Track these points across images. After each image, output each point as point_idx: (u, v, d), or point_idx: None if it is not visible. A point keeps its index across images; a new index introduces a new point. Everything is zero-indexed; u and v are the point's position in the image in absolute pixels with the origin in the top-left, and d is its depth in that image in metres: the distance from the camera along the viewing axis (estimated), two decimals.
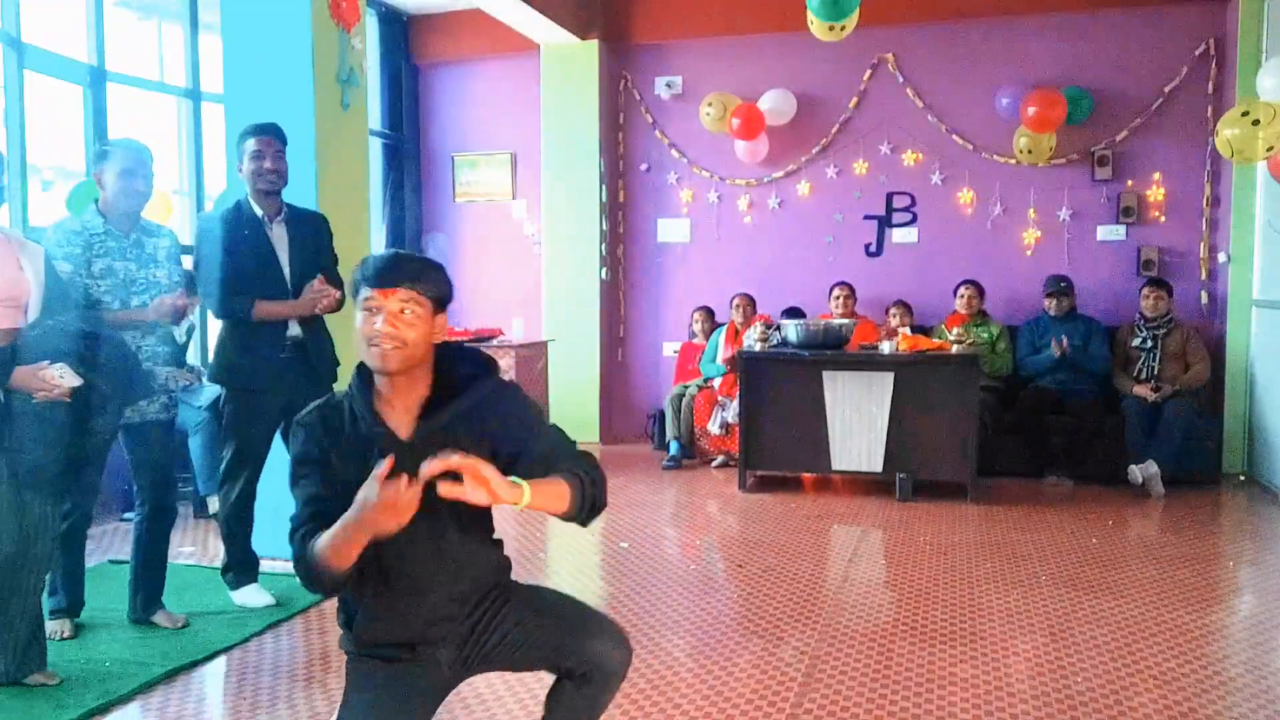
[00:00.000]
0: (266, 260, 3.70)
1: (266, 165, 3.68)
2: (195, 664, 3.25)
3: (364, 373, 2.01)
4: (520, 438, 2.01)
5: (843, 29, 5.51)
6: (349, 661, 2.09)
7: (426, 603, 2.02)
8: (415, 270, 1.95)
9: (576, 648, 2.03)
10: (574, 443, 2.09)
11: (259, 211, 3.74)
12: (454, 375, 2.03)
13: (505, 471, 1.85)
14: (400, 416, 2.00)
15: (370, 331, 1.92)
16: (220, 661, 3.31)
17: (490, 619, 2.08)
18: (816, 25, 5.28)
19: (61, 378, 2.88)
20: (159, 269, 3.48)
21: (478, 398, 2.01)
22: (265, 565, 3.96)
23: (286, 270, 3.75)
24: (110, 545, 4.71)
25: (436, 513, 1.89)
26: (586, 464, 2.03)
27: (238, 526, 3.81)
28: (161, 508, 3.57)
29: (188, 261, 3.83)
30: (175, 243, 3.60)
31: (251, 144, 3.70)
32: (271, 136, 3.71)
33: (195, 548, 4.72)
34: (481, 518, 2.09)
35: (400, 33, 7.84)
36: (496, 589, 2.12)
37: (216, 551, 4.50)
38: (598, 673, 2.04)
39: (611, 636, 2.07)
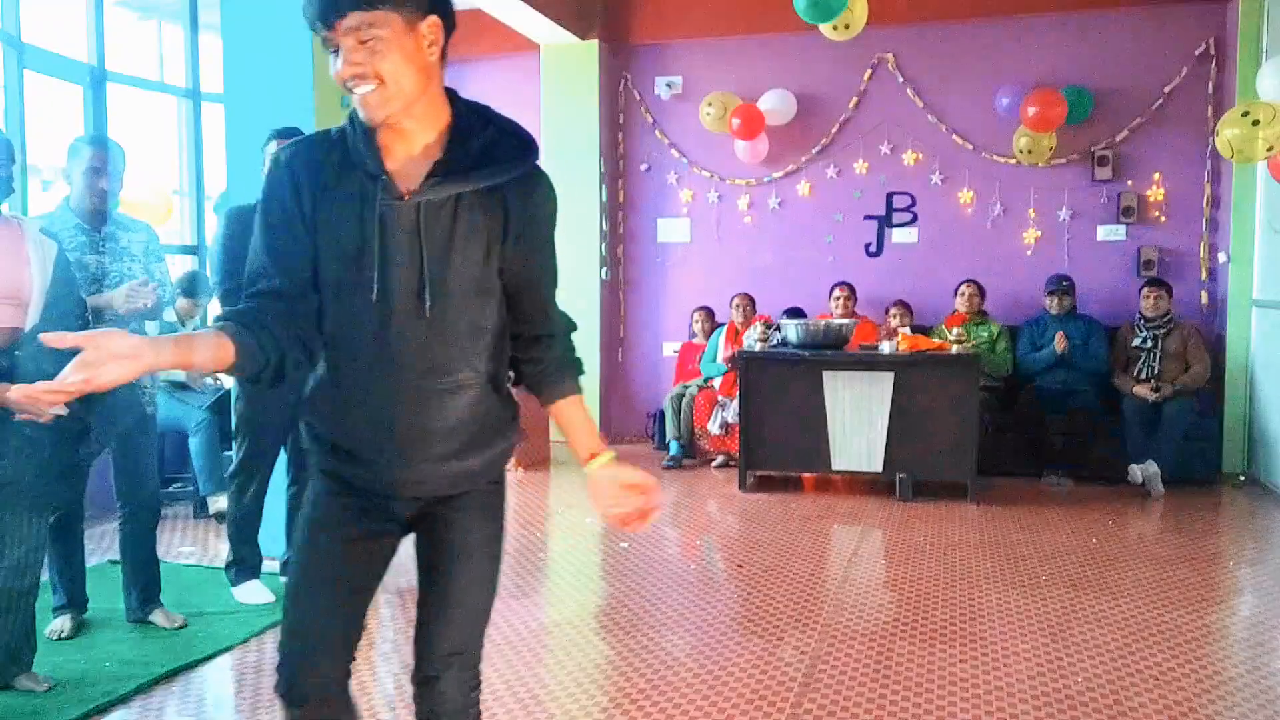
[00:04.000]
0: None
1: None
2: (195, 664, 3.25)
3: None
4: (525, 250, 1.69)
5: (848, 27, 5.51)
6: None
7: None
8: None
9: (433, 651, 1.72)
10: (555, 283, 1.79)
11: None
12: (481, 138, 1.65)
13: (486, 262, 1.64)
14: (404, 167, 1.61)
15: (338, 79, 1.54)
16: (220, 661, 3.31)
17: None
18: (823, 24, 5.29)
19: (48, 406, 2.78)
20: (133, 263, 3.46)
21: (506, 176, 1.66)
22: (266, 565, 3.95)
23: None
24: (111, 545, 4.69)
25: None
26: (564, 340, 1.79)
27: (247, 524, 3.82)
28: (141, 505, 3.53)
29: (190, 261, 3.83)
30: (153, 238, 3.59)
31: (272, 147, 3.80)
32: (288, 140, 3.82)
33: (195, 548, 4.72)
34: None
35: None
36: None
37: (217, 551, 4.51)
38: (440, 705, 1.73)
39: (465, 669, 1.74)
